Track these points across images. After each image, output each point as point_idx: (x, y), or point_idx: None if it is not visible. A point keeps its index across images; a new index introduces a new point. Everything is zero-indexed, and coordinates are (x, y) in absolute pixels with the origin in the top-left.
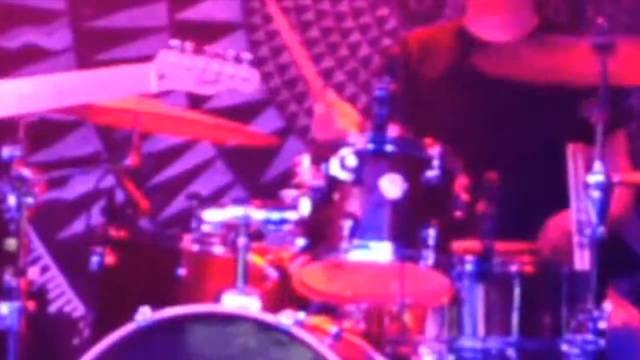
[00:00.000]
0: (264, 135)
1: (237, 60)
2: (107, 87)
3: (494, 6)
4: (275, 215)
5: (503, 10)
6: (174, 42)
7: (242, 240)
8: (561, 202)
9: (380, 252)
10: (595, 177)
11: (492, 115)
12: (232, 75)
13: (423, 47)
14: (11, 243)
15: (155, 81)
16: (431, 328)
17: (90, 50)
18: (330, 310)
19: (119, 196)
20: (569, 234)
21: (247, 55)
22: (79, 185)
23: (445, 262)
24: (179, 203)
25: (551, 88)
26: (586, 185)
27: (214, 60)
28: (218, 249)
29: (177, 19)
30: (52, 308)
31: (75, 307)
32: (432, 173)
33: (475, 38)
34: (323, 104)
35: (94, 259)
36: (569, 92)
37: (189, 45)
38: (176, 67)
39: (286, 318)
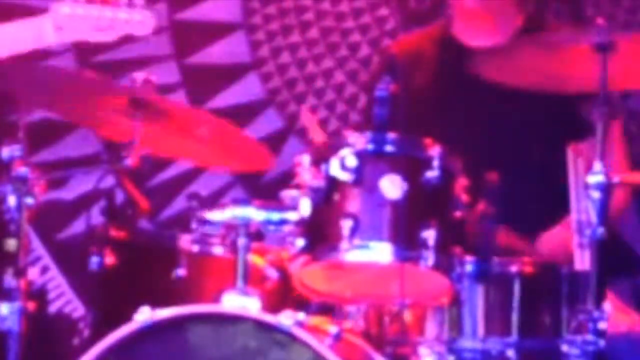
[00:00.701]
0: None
1: (130, 5)
2: (6, 41)
3: (476, 14)
4: (275, 216)
5: (486, 17)
6: None
7: (242, 240)
8: (561, 202)
9: (380, 252)
10: (595, 177)
11: (488, 119)
12: (126, 20)
13: (408, 57)
14: (11, 243)
15: (53, 33)
16: (431, 328)
17: (90, 50)
18: (330, 310)
19: (119, 196)
20: (563, 247)
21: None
22: (79, 186)
23: (445, 263)
24: (179, 203)
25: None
26: (586, 186)
27: (107, 7)
28: (218, 249)
29: (177, 19)
30: (52, 308)
31: (75, 307)
32: (432, 174)
33: (461, 45)
34: None
35: (94, 259)
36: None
37: None
38: (71, 18)
39: (286, 318)
